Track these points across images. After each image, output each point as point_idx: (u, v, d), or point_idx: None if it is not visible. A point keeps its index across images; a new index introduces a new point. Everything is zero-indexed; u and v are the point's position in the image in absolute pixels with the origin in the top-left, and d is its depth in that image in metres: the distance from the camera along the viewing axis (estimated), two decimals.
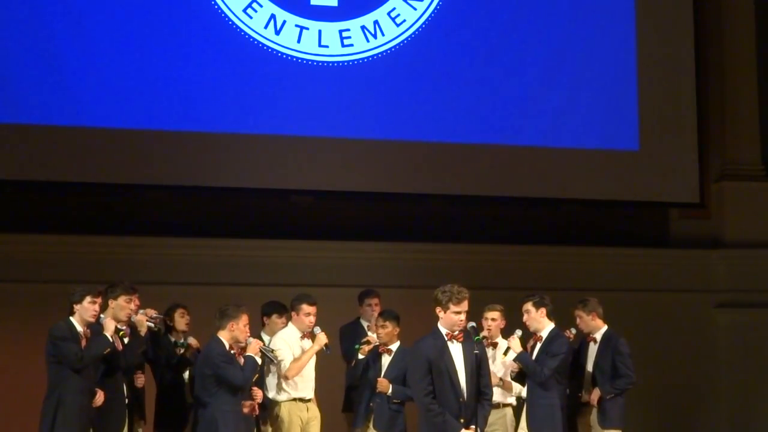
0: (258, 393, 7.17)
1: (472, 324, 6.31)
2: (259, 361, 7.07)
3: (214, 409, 6.73)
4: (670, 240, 10.87)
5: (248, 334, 7.02)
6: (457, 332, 6.00)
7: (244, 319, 6.97)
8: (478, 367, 6.01)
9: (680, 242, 10.80)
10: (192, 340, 7.65)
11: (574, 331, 7.65)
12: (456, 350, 5.99)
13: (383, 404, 7.37)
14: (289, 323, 7.58)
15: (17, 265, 9.18)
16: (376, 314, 7.90)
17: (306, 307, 7.47)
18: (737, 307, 10.62)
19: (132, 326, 7.15)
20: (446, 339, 6.00)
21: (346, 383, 8.10)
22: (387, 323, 7.53)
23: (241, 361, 6.91)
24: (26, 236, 9.25)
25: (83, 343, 6.73)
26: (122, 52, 9.21)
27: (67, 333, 6.69)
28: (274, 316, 7.73)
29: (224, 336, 6.91)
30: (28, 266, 9.20)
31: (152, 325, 7.29)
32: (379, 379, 7.39)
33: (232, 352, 6.89)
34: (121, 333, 6.98)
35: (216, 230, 9.70)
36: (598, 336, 7.57)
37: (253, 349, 6.97)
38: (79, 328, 6.75)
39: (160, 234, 9.50)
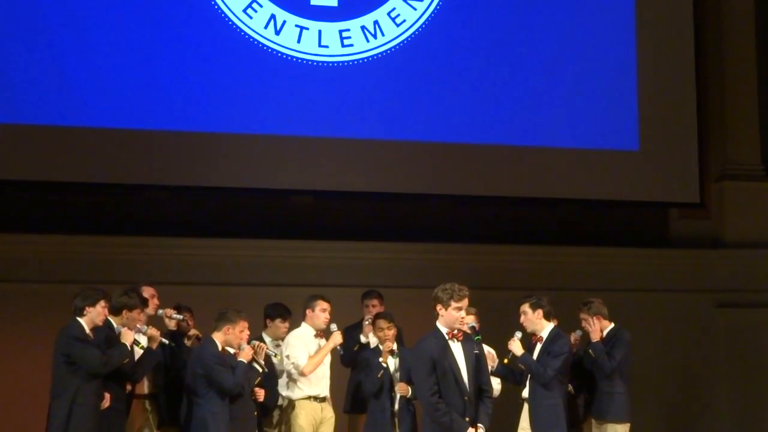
0: (260, 393, 7.16)
1: (472, 324, 6.32)
2: (258, 367, 7.06)
3: (205, 410, 6.75)
4: (670, 240, 10.86)
5: (243, 341, 6.99)
6: (456, 331, 6.00)
7: (241, 325, 6.97)
8: (478, 366, 6.02)
9: (680, 242, 10.79)
10: (193, 331, 7.64)
11: (579, 333, 7.62)
12: (457, 349, 5.99)
13: (405, 407, 7.32)
14: (303, 323, 7.58)
15: (17, 265, 9.18)
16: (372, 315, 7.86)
17: (322, 303, 7.56)
18: (737, 307, 10.62)
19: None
20: (447, 338, 5.99)
21: (350, 384, 8.03)
22: (392, 324, 7.51)
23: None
24: (26, 236, 9.24)
25: None
26: (122, 52, 9.20)
27: (83, 335, 6.67)
28: (278, 321, 7.70)
29: (218, 338, 6.92)
30: (28, 266, 9.20)
31: (166, 342, 7.28)
32: (399, 384, 7.25)
33: (230, 351, 6.88)
34: (140, 345, 6.98)
35: (216, 230, 9.69)
36: (605, 334, 7.51)
37: (246, 355, 6.94)
38: (87, 330, 6.73)
39: (160, 234, 9.49)
